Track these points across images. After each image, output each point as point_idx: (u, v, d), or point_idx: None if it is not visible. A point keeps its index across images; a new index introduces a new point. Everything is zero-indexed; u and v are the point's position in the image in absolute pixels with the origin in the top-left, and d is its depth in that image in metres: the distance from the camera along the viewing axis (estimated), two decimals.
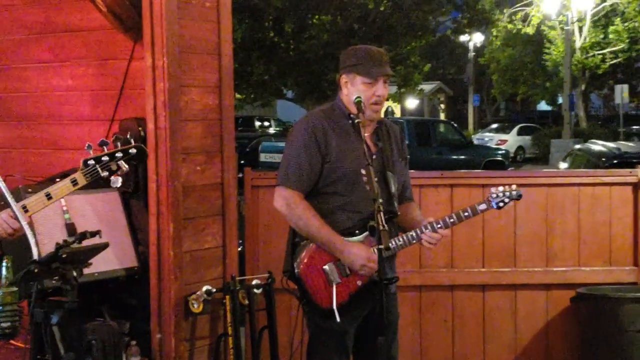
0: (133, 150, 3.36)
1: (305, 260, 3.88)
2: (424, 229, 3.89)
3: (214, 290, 4.92)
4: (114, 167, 3.33)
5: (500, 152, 24.96)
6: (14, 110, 6.01)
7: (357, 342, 4.03)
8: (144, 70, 4.87)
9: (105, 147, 3.32)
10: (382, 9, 28.59)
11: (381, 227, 3.55)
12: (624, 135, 30.22)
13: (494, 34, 36.73)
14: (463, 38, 42.68)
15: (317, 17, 28.33)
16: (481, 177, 6.01)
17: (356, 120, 3.85)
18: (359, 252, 3.81)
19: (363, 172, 3.86)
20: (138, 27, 4.99)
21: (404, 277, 5.61)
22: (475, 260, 5.78)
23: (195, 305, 4.88)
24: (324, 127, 3.93)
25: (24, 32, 5.88)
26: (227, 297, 4.93)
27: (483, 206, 3.95)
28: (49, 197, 3.36)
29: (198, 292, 4.88)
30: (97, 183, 3.57)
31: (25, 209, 3.38)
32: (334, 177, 3.90)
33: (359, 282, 3.86)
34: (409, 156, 4.26)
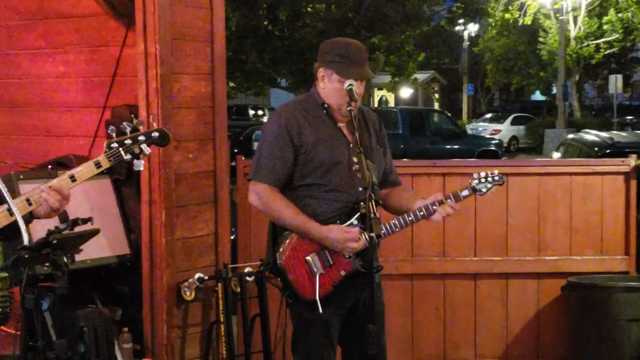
0: (155, 134, 3.34)
1: (288, 252, 3.83)
2: (432, 206, 3.84)
3: (206, 277, 4.93)
4: (136, 150, 3.31)
5: (493, 141, 24.99)
6: (6, 97, 6.00)
7: (344, 333, 4.01)
8: (136, 57, 4.87)
9: (127, 130, 3.30)
10: None
11: (372, 215, 3.54)
12: (617, 125, 30.27)
13: (492, 23, 36.65)
14: (458, 27, 42.65)
15: (311, 5, 28.27)
16: (473, 167, 6.01)
17: (348, 108, 3.82)
18: (335, 236, 3.77)
19: (340, 160, 3.85)
20: (130, 13, 4.99)
21: (395, 265, 5.67)
22: (467, 249, 5.79)
23: (188, 293, 4.88)
24: (297, 118, 3.88)
25: (16, 18, 5.87)
26: (219, 284, 4.94)
27: (465, 192, 3.91)
28: (72, 179, 3.34)
29: (190, 280, 4.89)
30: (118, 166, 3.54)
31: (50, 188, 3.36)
32: (310, 168, 3.86)
33: (343, 272, 3.83)
34: (387, 142, 4.16)
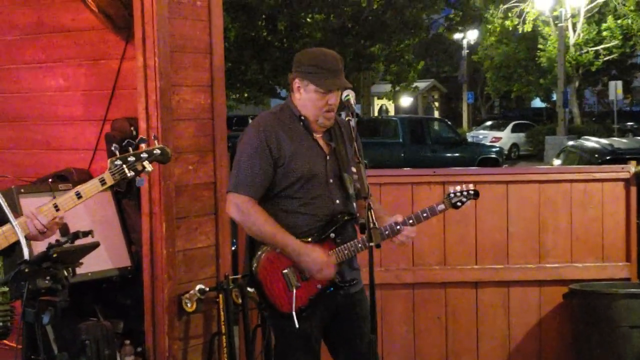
0: (157, 151, 3.40)
1: (265, 265, 3.81)
2: (401, 226, 3.84)
3: (208, 289, 4.93)
4: (139, 167, 3.37)
5: (494, 149, 24.98)
6: (6, 111, 6.01)
7: (332, 346, 4.01)
8: (135, 70, 4.87)
9: (130, 148, 3.36)
10: (375, 7, 28.60)
11: (371, 225, 3.54)
12: (618, 131, 30.27)
13: (490, 30, 36.69)
14: (457, 36, 42.71)
15: (310, 15, 28.34)
16: (473, 175, 6.02)
17: (347, 119, 3.82)
18: (316, 257, 3.76)
19: (317, 173, 3.84)
20: (129, 26, 5.00)
21: (397, 274, 5.69)
22: (468, 258, 5.79)
23: (189, 304, 4.88)
24: (275, 130, 3.87)
25: (15, 33, 5.89)
26: (221, 295, 4.94)
27: (442, 207, 3.92)
28: (78, 195, 3.40)
29: (191, 291, 4.89)
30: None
31: (56, 207, 3.40)
32: (289, 180, 3.85)
33: (319, 286, 3.82)
34: (362, 156, 4.13)
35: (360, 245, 3.84)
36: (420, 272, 5.76)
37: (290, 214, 3.85)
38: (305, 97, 3.88)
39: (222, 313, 4.92)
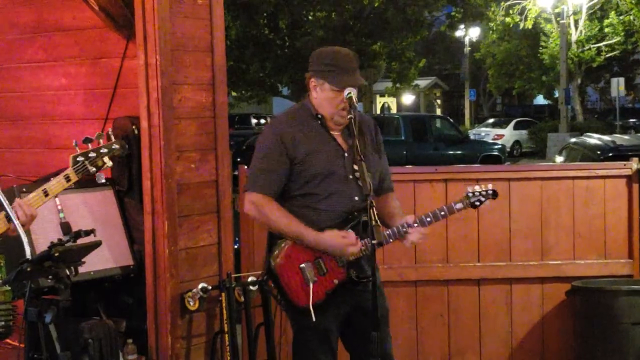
0: (116, 146, 3.46)
1: (282, 259, 3.87)
2: (407, 227, 3.88)
3: (210, 287, 4.93)
4: (99, 163, 3.43)
5: (496, 146, 24.95)
6: (8, 110, 6.01)
7: (348, 339, 4.05)
8: (137, 68, 4.87)
9: (89, 144, 3.43)
10: (376, 4, 28.59)
11: (373, 222, 3.55)
12: (620, 128, 30.24)
13: (492, 27, 36.65)
14: (459, 33, 42.69)
15: (311, 13, 28.33)
16: (475, 172, 6.02)
17: (349, 117, 3.84)
18: (332, 241, 3.80)
19: (335, 170, 3.88)
20: (130, 25, 4.99)
21: (399, 272, 5.68)
22: (470, 255, 5.78)
23: (191, 303, 4.88)
24: (291, 130, 3.92)
25: (16, 32, 5.88)
26: (223, 294, 4.94)
27: (460, 205, 3.96)
28: (45, 193, 3.45)
29: (194, 290, 4.89)
30: (92, 182, 3.66)
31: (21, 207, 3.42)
32: (305, 178, 3.90)
33: (336, 281, 3.86)
34: (384, 151, 4.20)
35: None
36: (423, 270, 5.76)
37: (309, 210, 3.90)
38: (322, 96, 3.93)
39: (224, 311, 4.92)
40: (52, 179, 3.54)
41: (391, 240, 3.93)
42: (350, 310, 3.95)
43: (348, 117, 3.85)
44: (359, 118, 4.05)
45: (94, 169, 3.42)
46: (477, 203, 3.99)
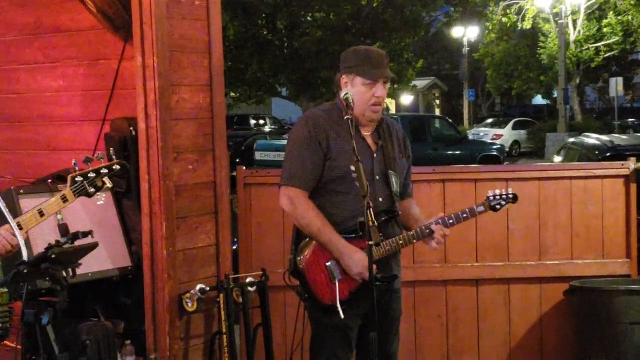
0: (117, 167, 3.45)
1: (309, 257, 3.92)
2: (429, 228, 3.97)
3: (208, 288, 4.93)
4: (99, 184, 3.42)
5: (495, 147, 24.95)
6: (5, 112, 6.01)
7: (363, 338, 4.07)
8: (134, 70, 4.88)
9: (89, 164, 3.41)
10: (375, 5, 28.59)
11: (371, 223, 3.56)
12: (619, 128, 30.25)
13: (489, 27, 36.65)
14: (457, 33, 42.65)
15: (310, 13, 28.32)
16: (473, 172, 6.01)
17: (346, 117, 3.85)
18: (359, 260, 3.84)
19: (353, 169, 3.88)
20: (128, 26, 5.00)
21: None
22: (469, 255, 5.79)
23: (190, 304, 4.89)
24: (323, 126, 3.96)
25: (14, 33, 5.89)
26: (221, 295, 4.94)
27: (482, 208, 4.07)
28: (41, 214, 3.44)
29: (192, 291, 4.89)
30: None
31: (19, 226, 3.44)
32: (333, 175, 3.94)
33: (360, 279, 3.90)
34: (411, 154, 4.27)
35: (401, 242, 3.97)
36: (421, 270, 5.76)
37: (334, 207, 3.94)
38: (353, 92, 3.96)
39: (223, 312, 4.92)
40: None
41: (414, 241, 4.04)
42: (369, 309, 3.97)
43: (346, 118, 3.84)
44: (390, 123, 4.15)
45: (93, 190, 3.40)
46: (498, 207, 4.09)
